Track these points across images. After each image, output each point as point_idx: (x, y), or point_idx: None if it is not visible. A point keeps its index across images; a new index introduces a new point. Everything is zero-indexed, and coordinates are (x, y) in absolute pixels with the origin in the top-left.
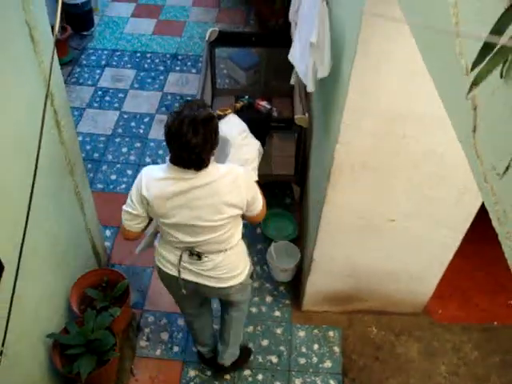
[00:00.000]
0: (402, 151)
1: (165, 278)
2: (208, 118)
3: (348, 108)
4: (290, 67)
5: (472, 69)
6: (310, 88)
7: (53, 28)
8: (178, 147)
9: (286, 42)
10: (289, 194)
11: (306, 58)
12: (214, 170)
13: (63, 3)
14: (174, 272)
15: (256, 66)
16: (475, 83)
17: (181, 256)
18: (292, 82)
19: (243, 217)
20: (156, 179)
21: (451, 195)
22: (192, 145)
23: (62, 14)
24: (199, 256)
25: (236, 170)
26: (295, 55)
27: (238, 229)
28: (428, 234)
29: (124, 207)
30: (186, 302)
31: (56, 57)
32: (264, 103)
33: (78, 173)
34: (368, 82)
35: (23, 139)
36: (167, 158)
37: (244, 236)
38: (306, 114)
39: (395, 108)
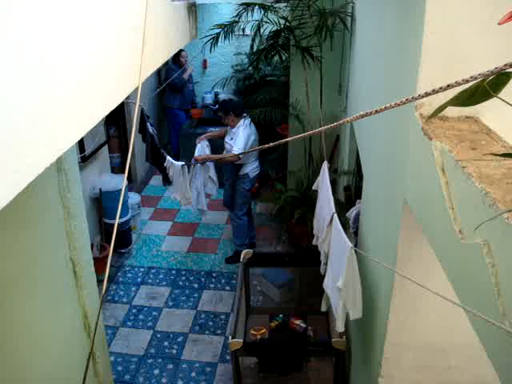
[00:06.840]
0: (448, 382)
1: None
2: None
3: (388, 343)
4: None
5: None
6: (340, 328)
7: (92, 246)
8: None
9: (319, 261)
10: None
11: (335, 299)
12: None
13: (104, 223)
14: None
15: (290, 283)
16: None
17: None
18: (323, 309)
19: None
20: None
21: None
22: None
23: (102, 233)
24: None
25: None
26: (328, 284)
27: None
28: None
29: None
30: None
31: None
32: (299, 322)
33: None
34: (406, 317)
35: (58, 370)
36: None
37: None
38: (344, 337)
39: (436, 341)
